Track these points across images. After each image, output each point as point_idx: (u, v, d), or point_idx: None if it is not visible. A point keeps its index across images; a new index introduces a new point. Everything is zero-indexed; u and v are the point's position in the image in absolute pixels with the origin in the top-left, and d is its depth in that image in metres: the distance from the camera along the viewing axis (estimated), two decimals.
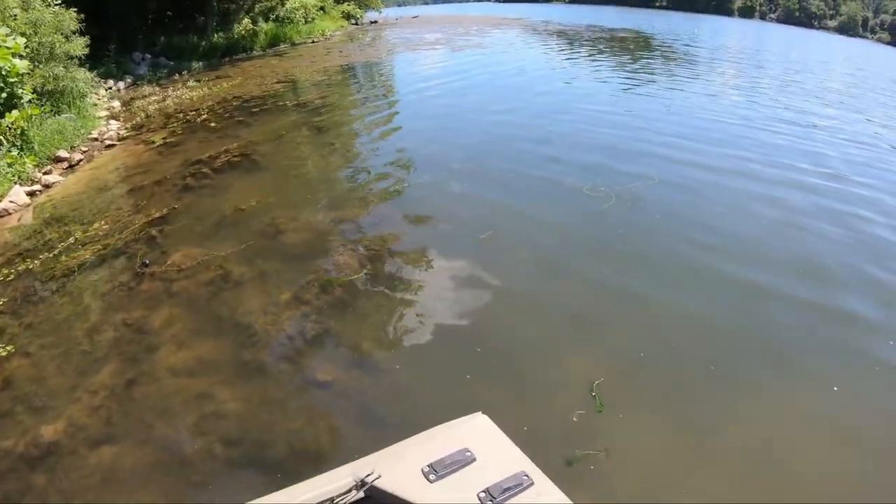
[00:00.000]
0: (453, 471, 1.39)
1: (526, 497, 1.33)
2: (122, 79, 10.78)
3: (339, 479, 1.48)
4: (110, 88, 10.30)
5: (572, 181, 5.56)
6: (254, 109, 8.01)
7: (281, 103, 8.50)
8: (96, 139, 7.31)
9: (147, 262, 4.14)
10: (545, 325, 3.35)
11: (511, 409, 2.66)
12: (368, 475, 1.41)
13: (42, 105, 7.16)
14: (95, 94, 9.49)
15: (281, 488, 1.45)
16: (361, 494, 1.39)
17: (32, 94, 7.07)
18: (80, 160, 6.65)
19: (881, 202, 5.61)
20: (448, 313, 3.34)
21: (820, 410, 2.91)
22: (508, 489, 1.34)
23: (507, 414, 2.62)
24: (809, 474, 2.53)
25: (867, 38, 45.28)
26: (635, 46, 18.70)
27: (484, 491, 1.33)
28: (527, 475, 1.37)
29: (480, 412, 1.54)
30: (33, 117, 6.75)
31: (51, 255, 4.53)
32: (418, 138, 6.93)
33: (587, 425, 2.61)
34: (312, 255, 3.85)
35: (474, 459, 1.41)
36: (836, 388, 3.03)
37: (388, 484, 1.40)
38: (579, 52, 16.35)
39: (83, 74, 8.29)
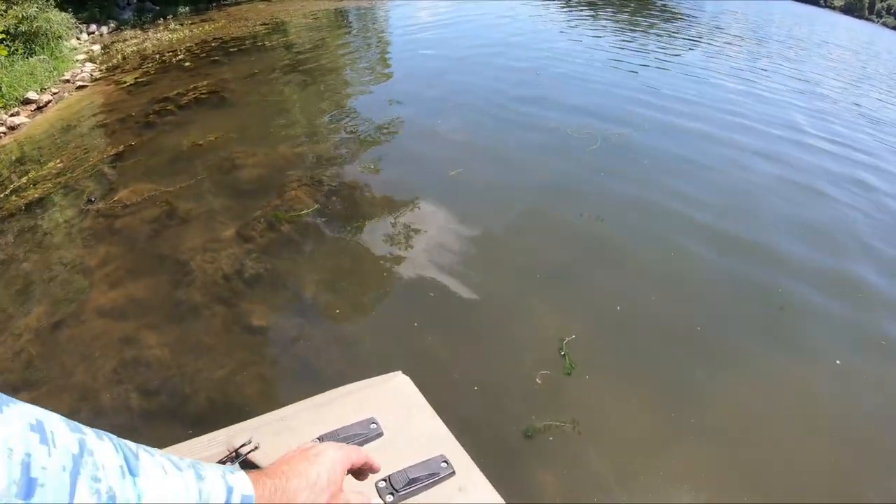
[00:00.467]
0: None
1: (440, 493, 0.95)
2: (105, 23, 10.23)
3: (211, 447, 1.09)
4: (93, 33, 9.78)
5: (555, 122, 5.08)
6: (231, 49, 7.45)
7: (260, 43, 7.92)
8: (68, 81, 6.88)
9: (93, 199, 3.78)
10: (512, 273, 2.96)
11: (463, 367, 2.28)
12: (243, 445, 1.04)
13: (13, 47, 6.75)
14: (77, 38, 9.00)
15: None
16: (235, 468, 1.03)
17: (4, 34, 6.66)
18: (49, 102, 6.25)
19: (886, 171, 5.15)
20: (403, 256, 2.95)
21: (818, 386, 2.50)
22: (417, 480, 0.96)
23: (457, 372, 2.25)
24: (801, 457, 2.14)
25: (872, 20, 42.04)
26: (636, 6, 17.35)
27: (384, 479, 0.96)
28: (446, 461, 0.98)
29: (400, 371, 1.15)
30: (2, 58, 6.37)
31: (1, 196, 4.22)
32: (397, 78, 6.45)
33: (553, 389, 2.21)
34: (265, 190, 3.43)
35: (380, 434, 1.03)
36: (838, 362, 2.61)
37: (265, 458, 1.02)
38: (577, 7, 15.21)
39: (59, 16, 7.84)
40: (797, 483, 2.02)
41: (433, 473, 0.95)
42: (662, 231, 3.52)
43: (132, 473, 0.43)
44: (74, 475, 0.38)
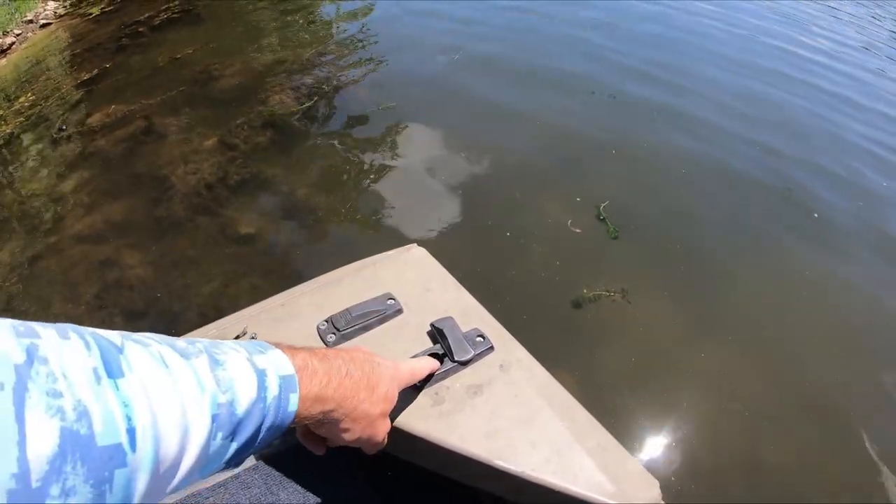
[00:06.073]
0: (364, 327, 0.83)
1: (479, 372, 0.77)
2: None
3: (207, 336, 0.86)
4: None
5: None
6: None
7: None
8: (31, 21, 6.35)
9: (64, 127, 3.42)
10: (524, 173, 2.60)
11: (492, 250, 2.00)
12: (237, 337, 0.84)
13: None
14: None
15: None
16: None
17: None
18: (13, 43, 5.78)
19: None
20: (401, 156, 2.62)
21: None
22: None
23: (485, 256, 2.02)
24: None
25: None
26: None
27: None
28: (482, 336, 0.80)
29: (415, 244, 1.00)
30: None
31: None
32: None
33: (600, 255, 2.00)
34: (246, 98, 3.05)
35: (400, 311, 0.86)
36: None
37: None
38: None
39: None
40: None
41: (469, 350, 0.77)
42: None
43: (111, 375, 0.31)
44: (20, 394, 0.26)
